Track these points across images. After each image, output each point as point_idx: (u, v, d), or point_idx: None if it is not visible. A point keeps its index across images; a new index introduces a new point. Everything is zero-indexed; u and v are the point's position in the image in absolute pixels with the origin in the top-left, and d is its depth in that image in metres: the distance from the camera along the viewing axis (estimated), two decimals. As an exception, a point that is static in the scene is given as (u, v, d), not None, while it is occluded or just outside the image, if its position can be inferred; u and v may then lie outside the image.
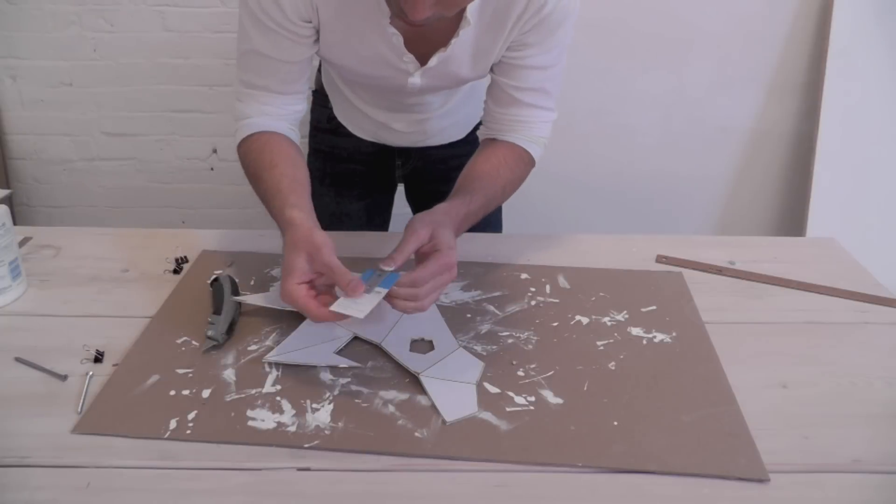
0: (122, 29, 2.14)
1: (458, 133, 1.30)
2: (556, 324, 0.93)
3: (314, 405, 0.77)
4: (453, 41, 0.94)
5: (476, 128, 1.32)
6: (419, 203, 1.38)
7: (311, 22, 0.94)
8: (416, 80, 1.00)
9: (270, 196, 0.92)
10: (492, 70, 1.03)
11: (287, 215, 0.86)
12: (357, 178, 1.32)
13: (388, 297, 0.82)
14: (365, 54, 0.97)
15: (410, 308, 0.83)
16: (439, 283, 0.84)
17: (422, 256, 0.87)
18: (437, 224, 0.88)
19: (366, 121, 1.24)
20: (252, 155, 0.98)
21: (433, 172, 1.32)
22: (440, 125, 1.25)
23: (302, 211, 0.87)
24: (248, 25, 0.94)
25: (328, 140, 1.31)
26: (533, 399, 0.79)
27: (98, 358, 0.84)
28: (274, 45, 0.94)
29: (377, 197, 1.36)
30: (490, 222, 1.34)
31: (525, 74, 1.01)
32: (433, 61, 0.97)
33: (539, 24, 0.94)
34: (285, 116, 1.01)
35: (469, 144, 1.31)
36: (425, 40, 0.95)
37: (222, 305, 0.91)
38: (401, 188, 1.41)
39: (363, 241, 1.14)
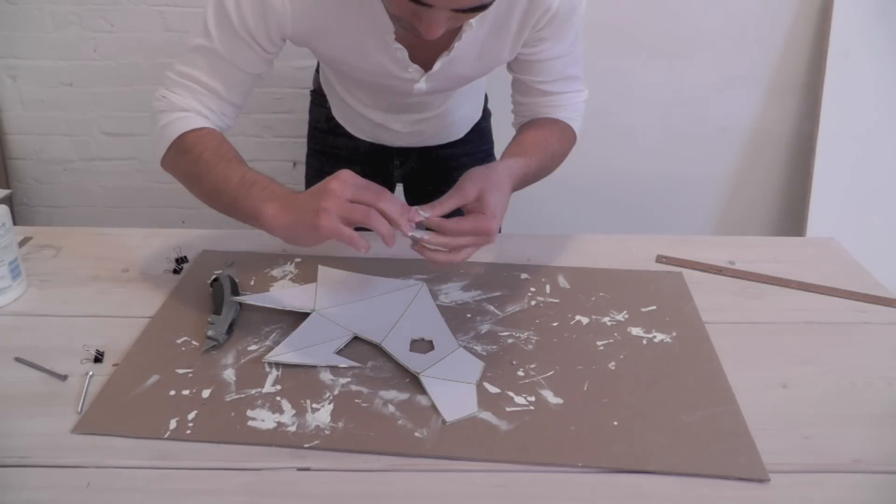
0: (122, 29, 2.14)
1: (455, 133, 1.30)
2: (556, 324, 0.93)
3: (314, 405, 0.77)
4: (456, 44, 0.93)
5: (473, 128, 1.32)
6: (418, 203, 1.38)
7: (285, 42, 0.93)
8: (421, 85, 1.00)
9: (250, 178, 0.86)
10: (511, 68, 1.03)
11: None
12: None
13: (420, 247, 0.83)
14: (368, 68, 0.97)
15: (440, 258, 0.83)
16: (470, 243, 0.84)
17: (466, 212, 0.87)
18: (489, 185, 0.86)
19: (363, 121, 1.23)
20: (209, 143, 0.90)
21: (432, 173, 1.32)
22: (438, 125, 1.24)
23: None
24: (213, 24, 0.89)
25: (327, 140, 1.31)
26: (533, 399, 0.79)
27: (98, 358, 0.84)
28: (236, 51, 0.90)
29: None
30: None
31: (547, 67, 1.00)
32: (437, 65, 0.96)
33: (551, 21, 0.94)
34: (219, 125, 0.95)
35: (467, 144, 1.31)
36: (427, 46, 0.93)
37: (222, 305, 0.91)
38: (400, 188, 1.41)
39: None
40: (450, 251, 0.83)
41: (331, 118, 1.28)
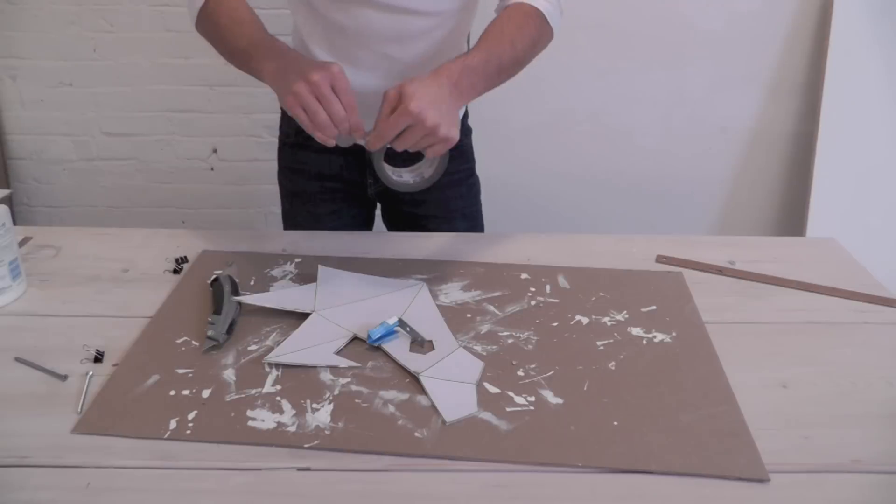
0: (122, 29, 2.15)
1: None
2: (556, 324, 0.93)
3: (314, 405, 0.77)
4: None
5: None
6: (395, 227, 1.32)
7: None
8: None
9: (258, 39, 0.97)
10: None
11: (286, 47, 0.96)
12: (327, 195, 1.26)
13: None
14: None
15: (371, 140, 0.89)
16: (407, 131, 0.87)
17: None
18: (408, 80, 0.89)
19: None
20: (225, 9, 1.01)
21: (405, 194, 1.27)
22: None
23: None
24: None
25: (297, 156, 1.25)
26: (533, 399, 0.79)
27: (98, 358, 0.84)
28: None
29: (353, 215, 1.30)
30: (471, 216, 1.30)
31: None
32: None
33: None
34: None
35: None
36: None
37: (222, 305, 0.91)
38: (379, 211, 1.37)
39: (361, 241, 1.14)
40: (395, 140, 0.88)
41: (300, 130, 1.19)
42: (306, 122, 0.88)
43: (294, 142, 1.25)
